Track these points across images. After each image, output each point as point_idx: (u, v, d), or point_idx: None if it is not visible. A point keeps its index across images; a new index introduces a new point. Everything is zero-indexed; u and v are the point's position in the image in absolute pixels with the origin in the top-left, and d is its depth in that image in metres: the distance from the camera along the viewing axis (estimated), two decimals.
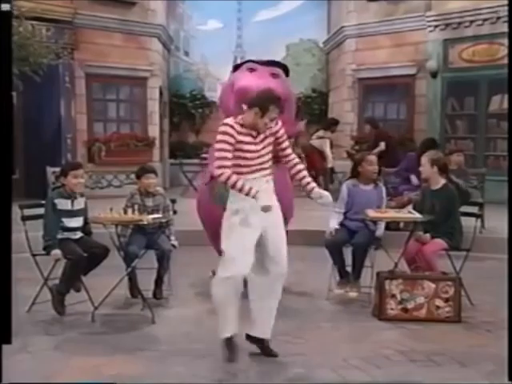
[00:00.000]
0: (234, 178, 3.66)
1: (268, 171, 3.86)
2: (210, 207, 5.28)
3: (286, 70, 5.52)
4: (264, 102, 3.78)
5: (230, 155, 3.70)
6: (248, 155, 3.76)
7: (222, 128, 3.75)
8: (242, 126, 3.77)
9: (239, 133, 3.74)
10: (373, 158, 5.57)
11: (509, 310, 3.41)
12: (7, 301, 3.29)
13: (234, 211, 3.78)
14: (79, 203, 4.95)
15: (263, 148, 3.82)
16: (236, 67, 5.63)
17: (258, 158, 3.80)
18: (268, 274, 3.89)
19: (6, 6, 3.44)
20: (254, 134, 3.80)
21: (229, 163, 3.69)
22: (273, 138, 3.89)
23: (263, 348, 3.93)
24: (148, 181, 5.23)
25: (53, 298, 4.76)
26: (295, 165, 3.97)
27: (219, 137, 3.73)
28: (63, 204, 4.85)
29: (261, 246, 3.83)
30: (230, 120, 3.79)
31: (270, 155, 3.87)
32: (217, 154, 3.71)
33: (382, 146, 10.14)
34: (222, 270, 3.80)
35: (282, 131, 3.94)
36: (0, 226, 3.22)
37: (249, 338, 3.98)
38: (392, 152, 9.92)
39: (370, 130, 11.03)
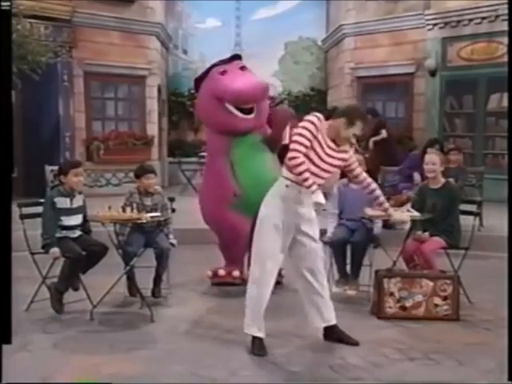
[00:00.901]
0: (304, 166, 3.71)
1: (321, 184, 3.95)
2: (224, 213, 5.32)
3: (238, 57, 5.68)
4: (353, 115, 3.89)
5: (303, 149, 3.74)
6: (319, 162, 3.84)
7: (305, 123, 3.80)
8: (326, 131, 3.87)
9: (319, 130, 3.80)
10: (357, 157, 5.57)
11: (509, 309, 3.41)
12: (7, 301, 3.29)
13: (267, 214, 3.90)
14: (78, 201, 4.95)
15: (331, 164, 3.91)
16: (198, 79, 5.59)
17: (324, 171, 3.89)
18: (303, 278, 4.05)
19: (5, 5, 3.44)
20: (332, 145, 3.88)
21: (303, 150, 3.74)
22: (342, 163, 3.99)
23: (340, 337, 4.10)
24: (148, 181, 5.23)
25: (51, 297, 4.76)
26: (368, 185, 4.14)
27: (301, 131, 3.78)
28: (62, 202, 4.85)
29: (293, 250, 3.99)
30: (317, 115, 3.84)
31: (330, 174, 3.98)
32: (295, 138, 3.78)
33: (384, 133, 10.13)
34: (254, 270, 3.94)
35: (352, 160, 4.08)
36: (0, 226, 3.22)
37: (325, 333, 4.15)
38: (389, 149, 9.92)
39: (371, 119, 11.00)
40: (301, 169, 3.72)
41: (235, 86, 5.10)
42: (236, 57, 5.63)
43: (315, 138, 3.79)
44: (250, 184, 5.24)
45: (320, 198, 3.72)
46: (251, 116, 5.25)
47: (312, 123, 3.79)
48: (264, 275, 3.89)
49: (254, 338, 3.96)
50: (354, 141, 3.95)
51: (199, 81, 5.57)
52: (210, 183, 5.56)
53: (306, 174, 3.72)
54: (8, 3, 3.49)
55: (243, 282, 5.58)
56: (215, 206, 5.41)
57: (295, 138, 3.79)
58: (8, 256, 3.29)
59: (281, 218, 3.86)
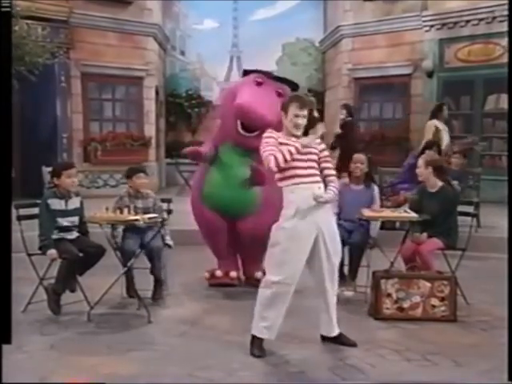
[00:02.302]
0: (277, 154, 3.78)
1: (318, 179, 3.96)
2: (200, 207, 5.47)
3: (294, 87, 5.43)
4: (284, 105, 4.02)
5: (274, 148, 3.83)
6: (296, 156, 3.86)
7: (265, 134, 3.97)
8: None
9: (277, 138, 3.92)
10: (359, 156, 5.61)
11: (509, 309, 3.41)
12: (7, 301, 3.29)
13: (286, 218, 3.88)
14: (74, 203, 4.94)
15: (308, 159, 3.93)
16: (246, 73, 5.59)
17: (306, 161, 3.91)
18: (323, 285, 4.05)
19: (6, 6, 3.44)
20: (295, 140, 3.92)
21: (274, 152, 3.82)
22: (316, 156, 4.00)
23: (338, 339, 4.12)
24: (139, 180, 5.22)
25: (48, 298, 4.75)
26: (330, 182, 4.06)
27: (263, 141, 3.93)
28: (56, 204, 4.84)
29: (314, 255, 3.96)
30: (268, 132, 3.99)
31: (316, 168, 3.97)
32: (263, 149, 3.87)
33: (322, 129, 9.70)
34: (269, 274, 3.95)
35: (325, 153, 4.08)
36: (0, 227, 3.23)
37: (324, 339, 4.17)
38: (348, 150, 9.40)
39: (345, 115, 10.86)
40: (278, 159, 3.78)
41: (240, 101, 5.07)
42: (286, 81, 5.52)
43: (279, 143, 3.87)
44: (219, 184, 5.34)
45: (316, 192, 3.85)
46: (253, 134, 5.14)
47: (269, 137, 3.92)
48: (279, 280, 3.86)
49: (254, 338, 3.97)
50: (300, 122, 3.93)
51: (246, 73, 5.58)
52: (197, 176, 5.70)
53: (280, 156, 3.79)
54: (8, 4, 3.48)
55: (240, 282, 5.61)
56: (195, 202, 5.60)
57: (263, 151, 3.88)
58: (8, 256, 3.29)
59: (297, 227, 3.85)
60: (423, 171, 5.31)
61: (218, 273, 5.61)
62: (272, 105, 4.94)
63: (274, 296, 3.89)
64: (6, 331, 3.27)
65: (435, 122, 9.01)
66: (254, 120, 5.04)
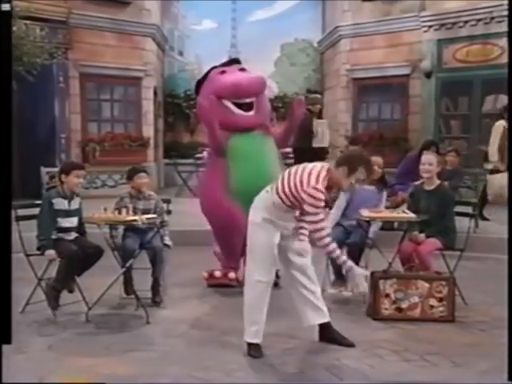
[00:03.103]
0: (339, 252, 3.86)
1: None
2: (222, 206, 5.37)
3: (237, 61, 5.82)
4: (354, 162, 3.78)
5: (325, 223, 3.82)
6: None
7: (316, 194, 3.65)
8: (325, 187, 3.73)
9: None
10: (377, 159, 5.60)
11: (508, 309, 3.41)
12: (7, 301, 3.29)
13: (261, 219, 3.86)
14: (75, 203, 4.94)
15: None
16: (199, 82, 5.67)
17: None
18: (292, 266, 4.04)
19: (6, 6, 3.44)
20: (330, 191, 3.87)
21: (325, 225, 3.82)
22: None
23: (336, 339, 4.10)
24: (141, 180, 5.22)
25: (47, 295, 4.73)
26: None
27: (315, 203, 3.66)
28: (60, 203, 4.83)
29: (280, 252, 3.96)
30: (320, 185, 3.66)
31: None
32: (319, 226, 3.72)
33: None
34: (250, 274, 3.92)
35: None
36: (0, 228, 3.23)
37: (321, 334, 4.15)
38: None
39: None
40: (336, 255, 3.83)
41: (231, 80, 5.23)
42: (235, 61, 5.74)
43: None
44: (248, 178, 5.26)
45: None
46: (251, 113, 5.30)
47: (320, 199, 3.67)
48: (261, 279, 3.86)
49: (254, 345, 3.94)
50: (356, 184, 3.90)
51: (200, 83, 5.61)
52: (211, 173, 5.60)
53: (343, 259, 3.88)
54: (8, 5, 3.48)
55: (239, 283, 5.60)
56: (214, 193, 5.46)
57: (314, 211, 3.68)
58: (8, 256, 3.29)
59: (267, 220, 3.85)
60: (435, 169, 5.29)
61: (217, 273, 5.61)
62: (245, 74, 5.47)
63: (259, 296, 3.88)
64: (6, 331, 3.27)
65: (503, 122, 8.83)
66: (251, 85, 5.27)
